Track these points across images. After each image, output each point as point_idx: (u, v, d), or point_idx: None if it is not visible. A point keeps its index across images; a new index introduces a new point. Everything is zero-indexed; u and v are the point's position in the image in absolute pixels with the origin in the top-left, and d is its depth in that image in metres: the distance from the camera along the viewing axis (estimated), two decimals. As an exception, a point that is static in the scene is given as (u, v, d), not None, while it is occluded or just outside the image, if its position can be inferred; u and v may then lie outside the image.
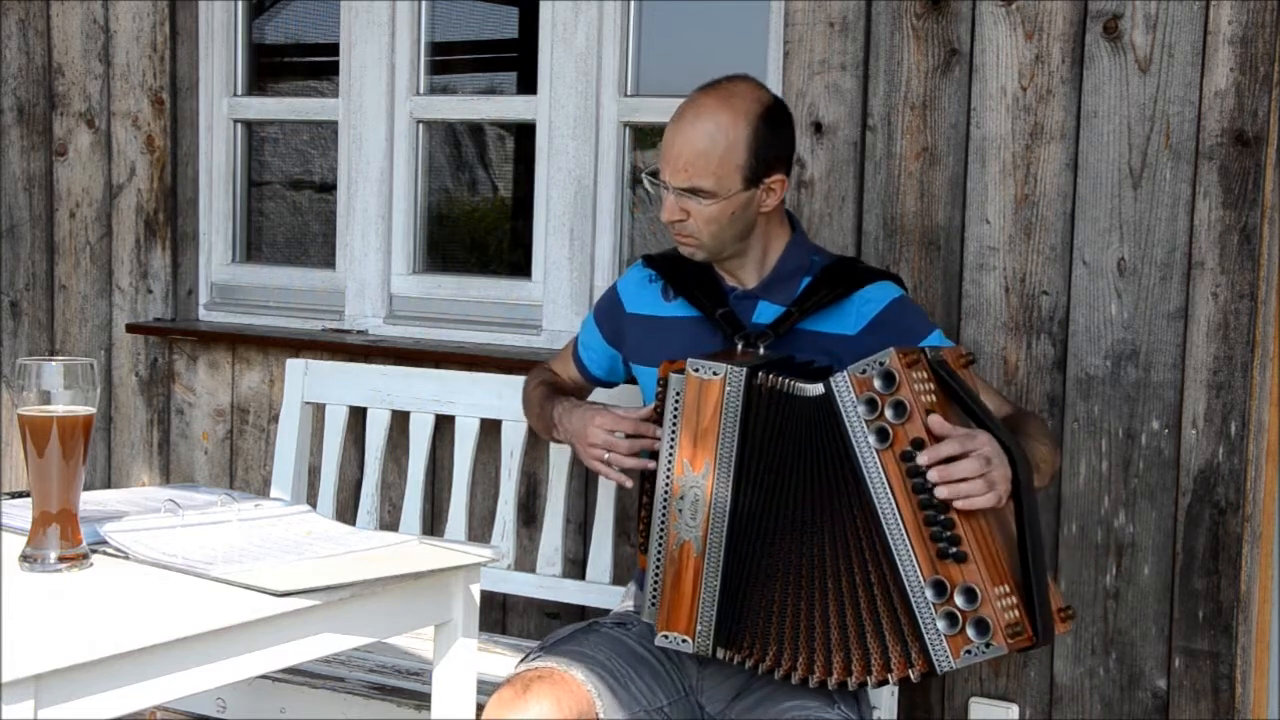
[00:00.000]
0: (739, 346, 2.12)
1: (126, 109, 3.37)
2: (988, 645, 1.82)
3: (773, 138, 2.16)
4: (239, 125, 3.43)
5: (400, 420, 2.96)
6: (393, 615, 1.75)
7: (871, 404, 1.87)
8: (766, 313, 2.20)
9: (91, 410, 1.63)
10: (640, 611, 2.12)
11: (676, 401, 1.99)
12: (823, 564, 1.91)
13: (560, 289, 3.03)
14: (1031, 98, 2.52)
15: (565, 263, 3.02)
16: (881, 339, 2.09)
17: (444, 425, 2.93)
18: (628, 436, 2.11)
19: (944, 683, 2.64)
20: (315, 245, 3.66)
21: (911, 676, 1.86)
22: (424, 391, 2.91)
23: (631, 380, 2.41)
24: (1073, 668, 2.55)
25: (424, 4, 3.20)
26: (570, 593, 2.80)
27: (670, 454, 2.00)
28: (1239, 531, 2.41)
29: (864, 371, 1.88)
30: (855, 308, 2.18)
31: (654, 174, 2.21)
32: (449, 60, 3.47)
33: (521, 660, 2.12)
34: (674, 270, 2.29)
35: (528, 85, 3.15)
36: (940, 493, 1.83)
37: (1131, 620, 2.50)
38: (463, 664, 1.84)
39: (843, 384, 1.89)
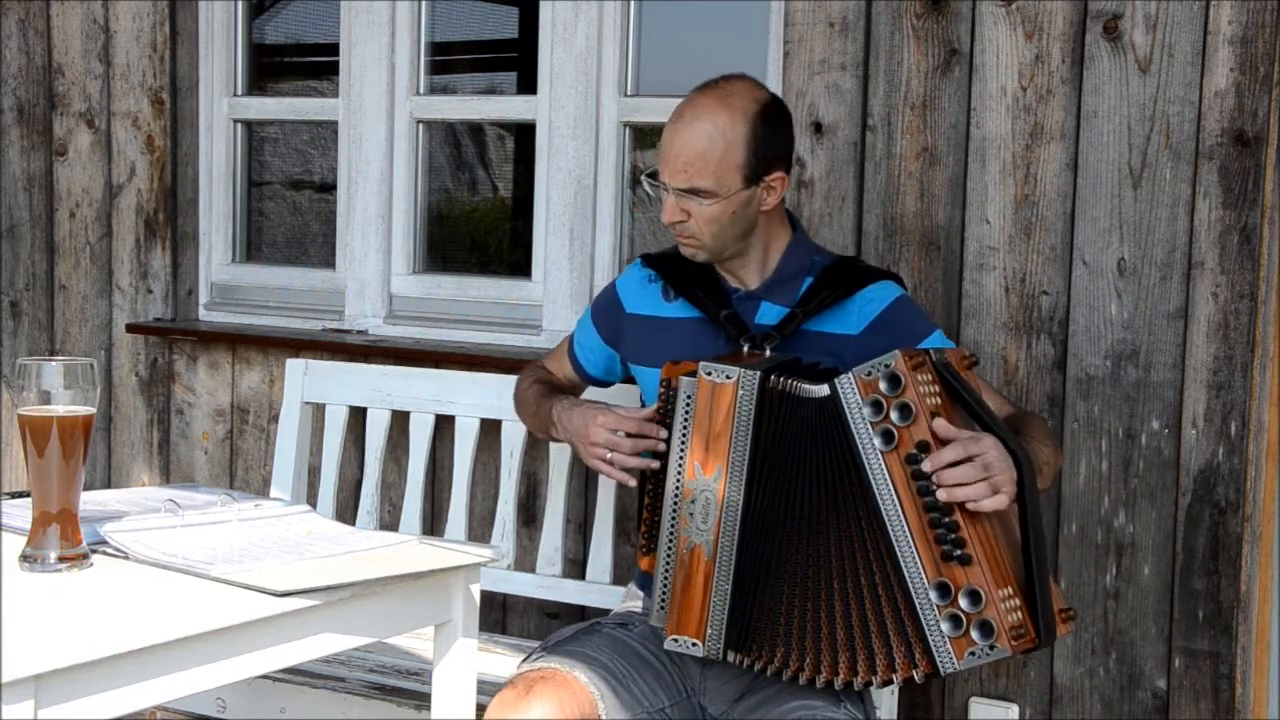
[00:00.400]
0: (745, 348, 2.12)
1: (126, 109, 3.37)
2: (992, 648, 1.81)
3: (771, 135, 2.15)
4: (239, 125, 3.43)
5: (400, 420, 2.96)
6: (393, 615, 1.75)
7: (877, 406, 1.86)
8: (769, 314, 2.20)
9: (91, 410, 1.63)
10: (649, 614, 2.11)
11: (688, 405, 1.98)
12: (829, 565, 1.91)
13: (560, 289, 3.03)
14: (1031, 98, 2.52)
15: (565, 263, 3.02)
16: (883, 339, 2.09)
17: (444, 425, 2.93)
18: (630, 436, 2.10)
19: (944, 682, 2.64)
20: (315, 245, 3.65)
21: (915, 677, 1.86)
22: (424, 391, 2.91)
23: (629, 380, 2.40)
24: (1073, 668, 2.55)
25: (424, 4, 3.20)
26: (570, 593, 2.80)
27: (681, 457, 1.99)
28: (1239, 531, 2.41)
29: (869, 373, 1.87)
30: (857, 308, 2.18)
31: (653, 175, 2.20)
32: (449, 60, 3.47)
33: (523, 660, 2.12)
34: (675, 271, 2.28)
35: (528, 85, 3.15)
36: (943, 496, 1.83)
37: (1131, 620, 2.50)
38: (463, 664, 1.84)
39: (848, 386, 1.89)
